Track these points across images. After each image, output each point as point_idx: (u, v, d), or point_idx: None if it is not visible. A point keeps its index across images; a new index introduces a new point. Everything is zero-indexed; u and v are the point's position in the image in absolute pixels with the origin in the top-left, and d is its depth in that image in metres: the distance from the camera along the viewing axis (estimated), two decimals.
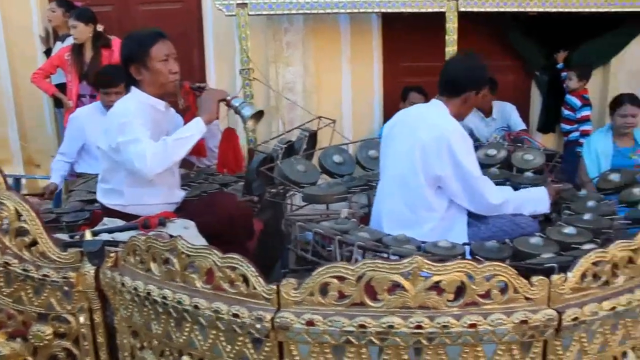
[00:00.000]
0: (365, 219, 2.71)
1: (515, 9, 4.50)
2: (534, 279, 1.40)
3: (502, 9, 4.49)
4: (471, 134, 4.84)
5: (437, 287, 1.38)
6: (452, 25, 4.37)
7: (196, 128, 2.32)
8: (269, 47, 4.93)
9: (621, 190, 2.62)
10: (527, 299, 1.41)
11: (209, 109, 2.36)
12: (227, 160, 2.52)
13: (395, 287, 1.38)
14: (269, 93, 4.87)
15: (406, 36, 5.07)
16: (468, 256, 1.97)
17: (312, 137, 3.93)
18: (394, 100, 4.98)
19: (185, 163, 3.32)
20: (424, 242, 2.06)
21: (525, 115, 5.38)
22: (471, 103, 2.48)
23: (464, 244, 2.06)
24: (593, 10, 4.56)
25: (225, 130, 2.52)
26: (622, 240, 1.53)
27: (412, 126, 2.47)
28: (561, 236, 2.10)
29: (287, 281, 1.43)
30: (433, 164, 2.36)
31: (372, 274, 1.36)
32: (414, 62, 5.16)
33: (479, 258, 1.92)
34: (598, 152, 4.08)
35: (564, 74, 5.01)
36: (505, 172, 3.10)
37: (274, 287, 1.44)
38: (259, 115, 2.47)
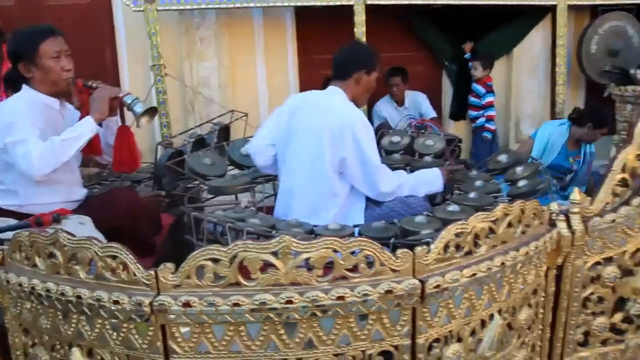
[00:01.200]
0: (271, 208, 2.77)
1: (421, 1, 4.69)
2: (398, 251, 1.50)
3: (408, 2, 4.66)
4: (385, 122, 5.01)
5: (307, 264, 1.45)
6: (360, 18, 4.50)
7: (86, 127, 2.29)
8: (182, 42, 4.91)
9: (507, 170, 2.81)
10: (393, 270, 1.51)
11: (100, 107, 2.34)
12: (122, 158, 2.50)
13: (268, 266, 1.45)
14: (185, 89, 4.85)
15: (319, 29, 5.17)
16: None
17: (224, 130, 3.97)
18: (309, 87, 5.06)
19: (91, 160, 3.29)
20: (315, 226, 2.14)
21: (437, 104, 5.62)
22: (365, 84, 2.58)
23: (354, 225, 2.16)
24: (493, 2, 4.82)
25: (119, 128, 2.50)
26: (482, 212, 1.65)
27: (316, 113, 2.52)
28: (445, 214, 2.24)
29: (165, 266, 1.47)
30: (338, 148, 2.44)
31: (244, 255, 1.42)
32: (327, 55, 5.25)
33: (365, 238, 2.02)
34: (550, 141, 4.25)
35: (470, 64, 5.26)
36: (407, 157, 3.24)
37: (152, 272, 1.48)
38: (151, 112, 2.48)
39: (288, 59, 5.26)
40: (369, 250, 1.47)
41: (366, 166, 2.47)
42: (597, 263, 2.08)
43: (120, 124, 2.61)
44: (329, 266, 1.47)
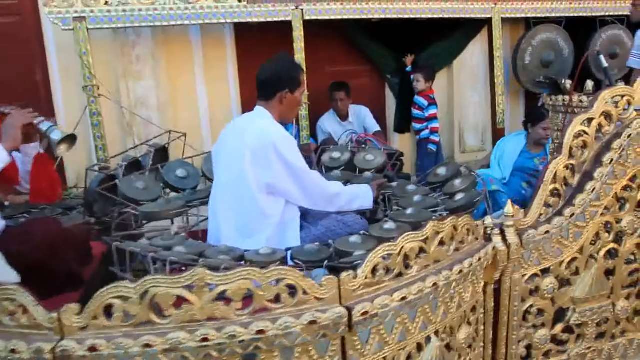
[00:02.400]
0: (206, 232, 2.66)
1: (358, 16, 4.69)
2: (323, 279, 1.42)
3: (345, 17, 4.66)
4: (330, 137, 4.97)
5: (225, 297, 1.35)
6: (298, 33, 4.46)
7: None
8: (117, 62, 4.75)
9: (446, 183, 2.78)
10: (318, 299, 1.43)
11: (11, 135, 2.21)
12: (40, 188, 2.35)
13: (183, 301, 1.34)
14: (122, 110, 4.68)
15: (259, 45, 5.10)
16: (290, 262, 1.97)
17: (161, 152, 3.82)
18: (252, 108, 4.98)
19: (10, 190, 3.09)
20: (247, 251, 2.04)
21: (381, 117, 5.63)
22: (290, 103, 2.51)
23: (288, 249, 2.07)
24: (429, 16, 4.87)
25: (36, 155, 2.36)
26: (410, 232, 1.59)
27: (238, 134, 2.46)
28: (381, 232, 2.17)
29: (67, 307, 1.34)
30: (263, 170, 2.37)
31: (154, 290, 1.31)
32: None
33: (298, 262, 1.93)
34: (505, 151, 4.32)
35: (412, 76, 5.28)
36: (347, 173, 3.18)
37: (55, 315, 1.34)
38: (70, 139, 2.35)
39: (229, 76, 5.17)
40: (290, 279, 1.39)
41: (299, 177, 2.41)
42: (535, 275, 2.06)
43: (41, 151, 2.46)
44: (249, 297, 1.38)
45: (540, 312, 2.12)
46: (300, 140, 3.93)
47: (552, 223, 2.02)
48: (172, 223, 2.84)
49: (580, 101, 2.66)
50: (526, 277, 2.05)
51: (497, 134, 5.20)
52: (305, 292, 1.41)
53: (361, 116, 5.20)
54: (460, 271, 1.71)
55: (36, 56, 4.84)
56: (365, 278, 1.49)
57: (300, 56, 4.45)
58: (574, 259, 2.13)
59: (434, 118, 5.14)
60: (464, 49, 5.54)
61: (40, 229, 2.31)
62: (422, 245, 1.63)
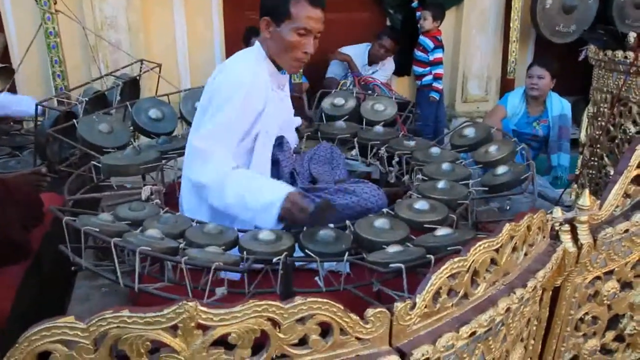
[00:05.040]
0: None
1: None
2: (369, 312, 0.97)
3: None
4: (333, 78, 4.41)
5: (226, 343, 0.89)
6: None
7: None
8: None
9: (476, 147, 2.32)
10: (360, 339, 0.98)
11: None
12: None
13: (162, 346, 0.88)
14: (85, 31, 4.01)
15: None
16: (297, 252, 1.51)
17: (132, 85, 3.25)
18: (238, 39, 4.37)
19: None
20: (243, 232, 1.56)
21: None
22: (277, 40, 1.87)
23: (294, 233, 1.58)
24: None
25: None
26: (484, 239, 1.14)
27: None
28: (412, 213, 1.71)
29: None
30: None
31: (117, 333, 0.84)
32: None
33: (310, 253, 1.47)
34: (508, 108, 3.86)
35: (418, 13, 4.71)
36: (353, 125, 2.68)
37: None
38: (7, 74, 1.78)
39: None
40: (325, 315, 0.93)
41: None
42: (597, 278, 1.67)
43: None
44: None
45: (595, 319, 1.75)
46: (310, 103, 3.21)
47: (633, 219, 1.60)
48: (144, 179, 2.33)
49: None
50: (587, 281, 1.65)
51: (507, 85, 4.73)
52: (343, 332, 0.96)
53: (386, 70, 4.62)
54: (534, 287, 1.29)
55: None
56: (425, 307, 1.05)
57: None
58: None
59: (439, 63, 4.63)
60: None
61: None
62: (494, 256, 1.18)
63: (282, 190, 1.67)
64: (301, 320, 0.92)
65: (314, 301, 0.91)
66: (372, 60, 4.62)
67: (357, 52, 4.63)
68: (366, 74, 4.35)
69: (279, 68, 1.97)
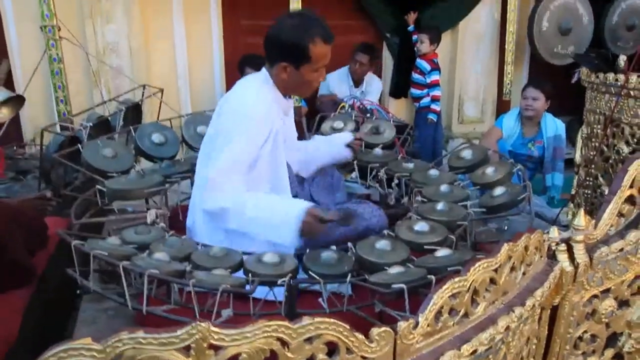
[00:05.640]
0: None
1: None
2: (374, 332, 1.00)
3: None
4: (331, 93, 4.46)
5: None
6: None
7: None
8: None
9: (473, 169, 2.37)
10: (365, 358, 1.01)
11: None
12: None
13: None
14: (88, 56, 4.08)
15: None
16: (300, 274, 1.55)
17: (135, 110, 3.30)
18: (236, 63, 4.45)
19: None
20: (247, 254, 1.60)
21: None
22: (295, 77, 1.93)
23: (298, 255, 1.62)
24: None
25: None
26: (483, 259, 1.18)
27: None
28: (413, 234, 1.76)
29: None
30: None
31: (132, 354, 0.87)
32: (258, 20, 4.62)
33: (313, 274, 1.51)
34: (503, 129, 3.93)
35: (415, 36, 4.80)
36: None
37: None
38: (17, 102, 1.83)
39: (212, 24, 4.59)
40: (331, 335, 0.96)
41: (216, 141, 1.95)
42: (594, 296, 1.70)
43: None
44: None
45: (593, 337, 1.78)
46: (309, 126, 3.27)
47: (627, 238, 1.64)
48: (147, 202, 2.37)
49: None
50: (584, 299, 1.68)
51: (503, 106, 4.80)
52: (349, 351, 0.99)
53: (372, 88, 4.67)
54: (533, 306, 1.32)
55: None
56: (427, 326, 1.08)
57: (296, 6, 3.91)
58: (637, 277, 1.77)
59: (436, 85, 4.69)
60: (472, 10, 5.05)
61: None
62: (493, 276, 1.22)
63: (300, 205, 1.74)
64: (309, 340, 0.96)
65: (321, 321, 0.95)
66: (355, 79, 4.64)
67: (341, 76, 4.66)
68: (353, 94, 4.40)
69: (284, 94, 2.03)
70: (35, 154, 3.46)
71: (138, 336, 0.87)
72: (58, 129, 3.15)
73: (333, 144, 2.42)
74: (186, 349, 0.90)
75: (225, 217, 1.79)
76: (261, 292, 1.52)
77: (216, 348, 0.91)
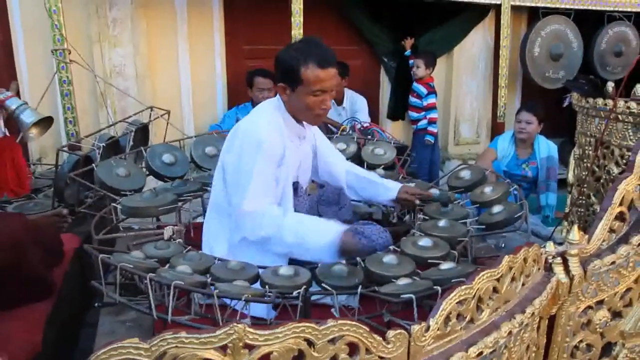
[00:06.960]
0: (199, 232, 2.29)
1: None
2: (390, 334, 1.10)
3: None
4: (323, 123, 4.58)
5: None
6: (297, 6, 4.04)
7: None
8: (91, 24, 4.25)
9: (472, 188, 2.48)
10: (382, 358, 1.11)
11: None
12: (4, 179, 1.93)
13: None
14: (95, 78, 4.20)
15: (250, 16, 4.69)
16: (313, 286, 1.64)
17: (142, 131, 3.40)
18: (238, 85, 4.58)
19: None
20: (262, 268, 1.70)
21: (374, 102, 5.31)
22: (294, 100, 2.01)
23: (311, 267, 1.72)
24: None
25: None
26: (486, 269, 1.29)
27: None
28: (417, 249, 1.86)
29: None
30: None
31: (175, 352, 0.97)
32: (259, 45, 4.78)
33: (326, 286, 1.60)
34: (498, 151, 4.06)
35: (411, 61, 4.96)
36: None
37: None
38: (45, 122, 1.92)
39: (215, 48, 4.74)
40: (352, 336, 1.06)
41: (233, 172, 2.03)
42: (589, 307, 1.81)
43: (6, 133, 2.04)
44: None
45: (589, 347, 1.88)
46: None
47: (618, 252, 1.75)
48: (157, 220, 2.46)
49: (628, 107, 2.39)
50: (580, 310, 1.78)
51: (497, 127, 4.94)
52: (368, 351, 1.09)
53: (355, 105, 4.79)
54: (533, 313, 1.43)
55: None
56: (437, 329, 1.18)
57: (298, 32, 4.05)
58: (628, 289, 1.88)
59: (432, 108, 4.84)
60: (466, 36, 5.23)
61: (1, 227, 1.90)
62: (496, 285, 1.33)
63: (335, 230, 1.88)
64: (332, 341, 1.05)
65: (343, 323, 1.05)
66: (337, 99, 4.71)
67: None
68: (337, 114, 4.51)
69: (298, 120, 2.12)
70: (44, 172, 3.54)
71: (181, 336, 0.97)
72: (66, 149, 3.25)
73: (383, 194, 2.45)
74: (223, 348, 0.99)
75: (267, 244, 1.90)
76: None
77: (250, 347, 1.01)
